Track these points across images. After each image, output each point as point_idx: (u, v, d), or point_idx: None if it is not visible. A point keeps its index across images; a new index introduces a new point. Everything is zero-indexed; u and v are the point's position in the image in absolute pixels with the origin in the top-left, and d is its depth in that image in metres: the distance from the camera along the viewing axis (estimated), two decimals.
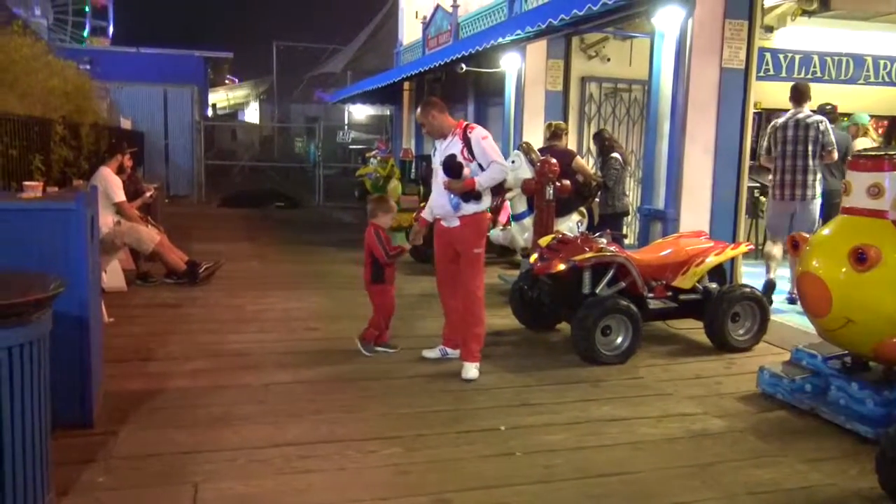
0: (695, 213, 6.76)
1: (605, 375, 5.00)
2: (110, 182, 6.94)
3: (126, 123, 16.48)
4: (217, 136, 28.83)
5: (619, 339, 5.34)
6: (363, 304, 5.66)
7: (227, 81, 39.12)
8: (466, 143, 4.87)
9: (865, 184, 4.03)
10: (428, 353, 5.26)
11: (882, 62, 9.90)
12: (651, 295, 5.69)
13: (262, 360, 5.11)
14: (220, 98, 39.36)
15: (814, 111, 6.96)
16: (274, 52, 37.81)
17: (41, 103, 7.23)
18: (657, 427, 4.11)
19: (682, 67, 6.62)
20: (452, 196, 4.81)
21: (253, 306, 6.68)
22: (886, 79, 9.97)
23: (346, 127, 31.53)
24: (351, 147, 28.62)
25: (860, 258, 3.83)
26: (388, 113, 21.27)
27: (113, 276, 6.99)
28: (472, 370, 4.85)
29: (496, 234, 7.81)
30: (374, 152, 12.16)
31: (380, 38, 26.33)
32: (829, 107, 7.76)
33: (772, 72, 9.31)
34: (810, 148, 6.63)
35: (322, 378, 4.76)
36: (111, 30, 37.96)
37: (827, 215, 6.92)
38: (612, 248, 5.54)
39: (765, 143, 7.09)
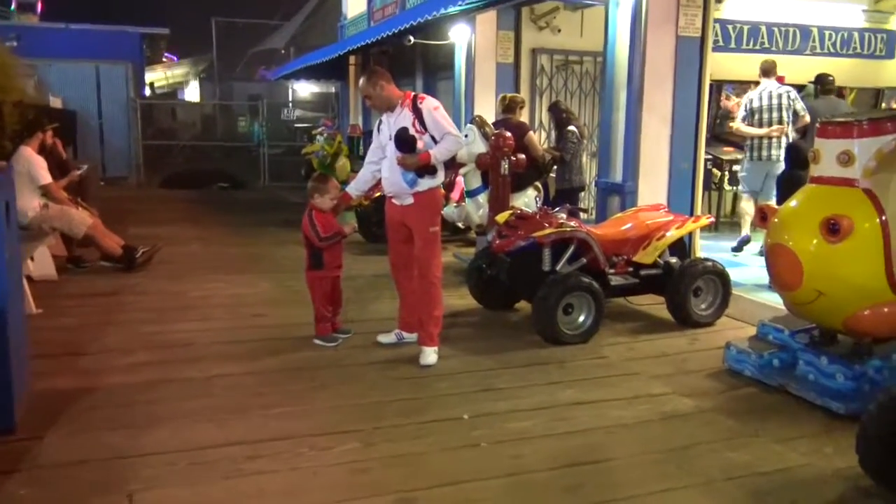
0: (653, 185, 6.61)
1: (568, 356, 4.81)
2: (33, 163, 6.44)
3: (56, 102, 15.65)
4: (156, 115, 27.76)
5: (582, 318, 5.16)
6: None
7: (164, 59, 37.75)
8: (417, 114, 4.57)
9: (835, 151, 3.89)
10: (383, 338, 5.00)
11: (827, 33, 9.94)
12: (612, 271, 5.52)
13: (206, 350, 4.77)
14: (157, 77, 37.91)
15: (813, 81, 7.88)
16: (213, 29, 36.62)
17: None
18: (627, 409, 3.93)
19: (638, 36, 6.42)
20: (407, 172, 4.53)
21: (196, 293, 6.30)
22: (831, 49, 10.03)
23: (290, 105, 30.76)
24: (297, 125, 27.93)
25: (832, 229, 3.70)
26: (334, 90, 20.72)
27: (41, 263, 6.51)
28: (430, 355, 4.60)
29: (450, 211, 7.55)
30: (320, 129, 11.78)
31: (323, 13, 25.66)
32: (830, 77, 7.92)
33: (721, 42, 9.25)
34: (784, 115, 7.23)
35: (271, 368, 4.46)
36: (39, 6, 36.32)
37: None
38: (572, 224, 5.35)
39: (741, 113, 7.60)
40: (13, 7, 35.14)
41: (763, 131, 7.28)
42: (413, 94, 4.71)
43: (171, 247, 8.46)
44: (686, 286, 5.44)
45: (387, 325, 5.16)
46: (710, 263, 5.59)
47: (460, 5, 7.62)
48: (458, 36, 9.79)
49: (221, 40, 36.91)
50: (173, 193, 14.69)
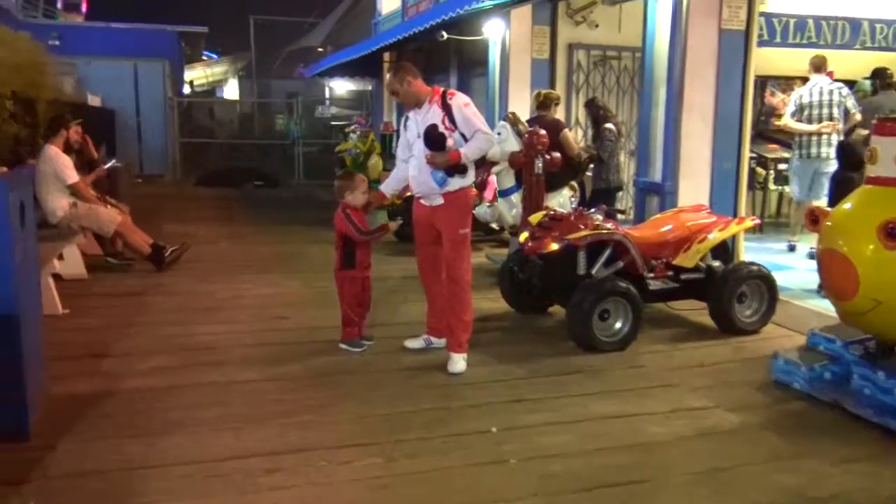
0: (693, 185, 6.34)
1: (604, 364, 4.59)
2: (59, 162, 6.39)
3: (94, 100, 15.80)
4: (195, 113, 28.05)
5: (618, 324, 4.93)
6: None
7: (204, 58, 38.15)
8: (447, 111, 4.37)
9: (894, 150, 3.61)
10: (410, 344, 4.83)
11: (879, 26, 9.47)
12: (651, 275, 5.28)
13: (228, 354, 4.65)
14: (197, 75, 38.33)
15: (869, 76, 7.77)
16: (251, 27, 36.91)
17: None
18: (664, 425, 3.70)
19: (679, 29, 6.16)
20: (436, 171, 4.35)
21: (223, 293, 6.20)
22: (883, 43, 9.55)
23: (326, 102, 30.82)
24: (332, 123, 27.96)
25: (891, 233, 3.42)
26: (370, 87, 20.65)
27: (71, 262, 6.47)
28: (459, 362, 4.41)
29: (482, 211, 7.35)
30: (353, 127, 11.68)
31: (359, 11, 25.61)
32: (889, 71, 7.64)
33: (766, 37, 8.85)
34: (835, 112, 6.99)
35: (292, 374, 4.31)
36: (84, 6, 37.13)
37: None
38: (608, 225, 5.11)
39: (790, 108, 7.36)
40: (59, 7, 36.19)
41: (814, 128, 7.01)
42: (442, 89, 4.52)
43: (201, 245, 8.41)
44: (730, 291, 5.16)
45: (415, 329, 4.99)
46: (755, 267, 5.31)
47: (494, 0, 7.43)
48: (492, 31, 9.58)
49: (259, 38, 37.19)
50: (208, 191, 14.71)
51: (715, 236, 5.31)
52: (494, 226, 8.11)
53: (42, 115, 8.11)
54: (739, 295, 5.24)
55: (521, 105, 9.02)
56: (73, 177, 6.44)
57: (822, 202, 6.30)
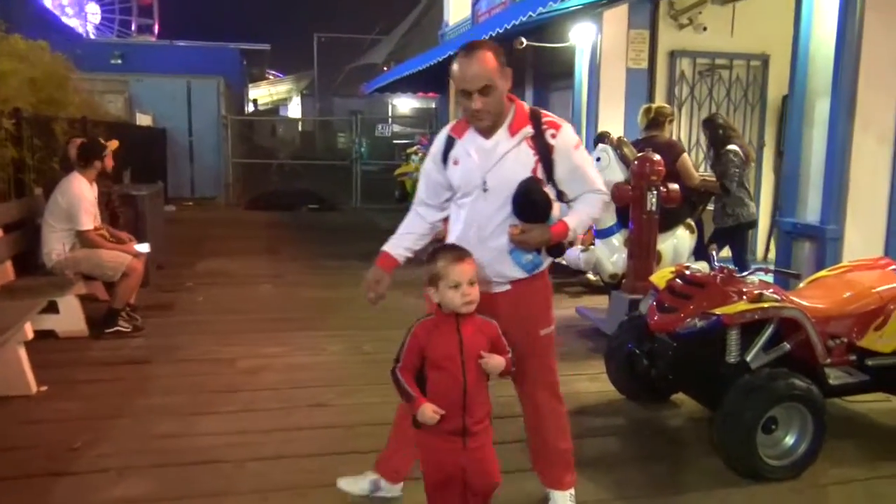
0: (865, 229, 4.77)
1: None
2: (78, 201, 5.21)
3: (144, 119, 15.02)
4: (256, 132, 27.38)
5: (791, 439, 3.41)
6: None
7: (269, 76, 37.91)
8: (542, 152, 2.68)
9: None
10: None
11: None
12: (828, 361, 3.73)
13: (232, 476, 3.27)
14: (262, 94, 38.09)
15: None
16: (315, 44, 36.45)
17: None
18: None
19: (851, 23, 4.63)
20: (522, 252, 2.71)
21: (246, 361, 4.86)
22: None
23: (389, 120, 29.83)
24: (395, 142, 26.91)
25: None
26: (434, 105, 19.47)
27: (69, 317, 5.26)
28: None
29: (574, 255, 5.88)
30: (415, 148, 10.41)
31: (424, 26, 24.58)
32: None
33: None
34: None
35: None
36: (156, 28, 37.68)
37: None
38: (773, 294, 3.58)
39: None
40: (133, 29, 37.17)
41: None
42: (529, 109, 2.77)
43: (236, 287, 7.23)
44: None
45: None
46: None
47: None
48: (580, 37, 8.15)
49: (322, 56, 36.72)
50: (258, 216, 13.56)
51: None
52: (592, 277, 6.64)
53: (61, 135, 7.03)
54: None
55: (614, 123, 7.62)
56: (86, 223, 5.23)
57: None
